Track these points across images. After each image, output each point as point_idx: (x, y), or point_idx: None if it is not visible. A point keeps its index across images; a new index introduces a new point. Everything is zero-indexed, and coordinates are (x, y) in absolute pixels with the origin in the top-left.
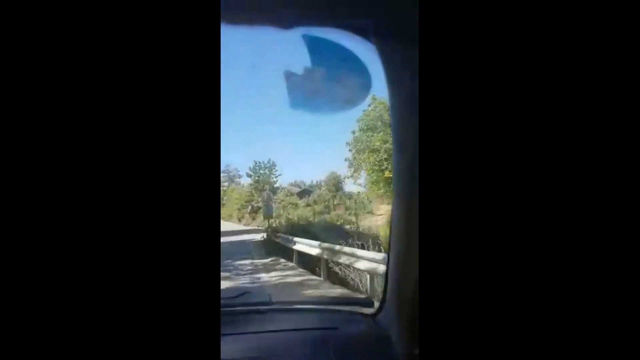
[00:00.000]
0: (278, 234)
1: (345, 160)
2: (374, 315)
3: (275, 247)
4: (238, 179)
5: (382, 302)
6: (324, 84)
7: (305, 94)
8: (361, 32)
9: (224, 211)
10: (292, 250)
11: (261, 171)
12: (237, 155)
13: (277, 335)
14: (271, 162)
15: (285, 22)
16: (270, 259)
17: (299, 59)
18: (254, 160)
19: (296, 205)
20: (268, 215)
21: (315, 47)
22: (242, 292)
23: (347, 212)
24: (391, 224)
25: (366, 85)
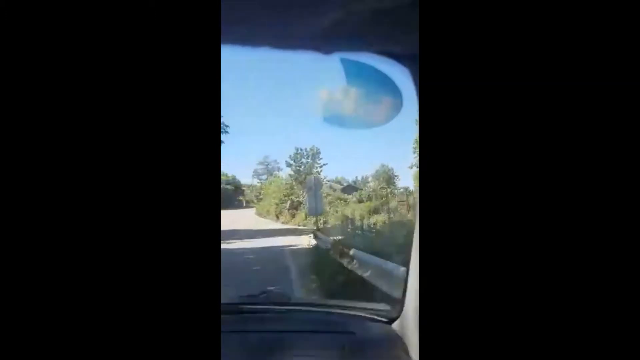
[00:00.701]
0: (348, 250)
1: (414, 142)
2: (391, 322)
3: (335, 267)
4: (277, 172)
5: (401, 308)
6: (357, 102)
7: (339, 111)
8: (395, 56)
9: (260, 207)
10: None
11: (303, 160)
12: (276, 147)
13: (294, 336)
14: (315, 149)
15: (326, 48)
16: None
17: (335, 79)
18: (295, 147)
19: (345, 201)
20: (315, 212)
21: (351, 69)
22: (262, 292)
23: (411, 213)
24: (414, 229)
25: (398, 104)
